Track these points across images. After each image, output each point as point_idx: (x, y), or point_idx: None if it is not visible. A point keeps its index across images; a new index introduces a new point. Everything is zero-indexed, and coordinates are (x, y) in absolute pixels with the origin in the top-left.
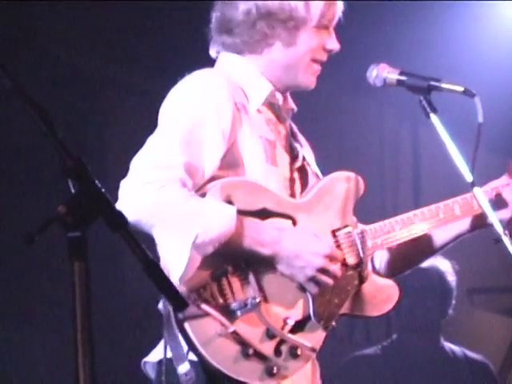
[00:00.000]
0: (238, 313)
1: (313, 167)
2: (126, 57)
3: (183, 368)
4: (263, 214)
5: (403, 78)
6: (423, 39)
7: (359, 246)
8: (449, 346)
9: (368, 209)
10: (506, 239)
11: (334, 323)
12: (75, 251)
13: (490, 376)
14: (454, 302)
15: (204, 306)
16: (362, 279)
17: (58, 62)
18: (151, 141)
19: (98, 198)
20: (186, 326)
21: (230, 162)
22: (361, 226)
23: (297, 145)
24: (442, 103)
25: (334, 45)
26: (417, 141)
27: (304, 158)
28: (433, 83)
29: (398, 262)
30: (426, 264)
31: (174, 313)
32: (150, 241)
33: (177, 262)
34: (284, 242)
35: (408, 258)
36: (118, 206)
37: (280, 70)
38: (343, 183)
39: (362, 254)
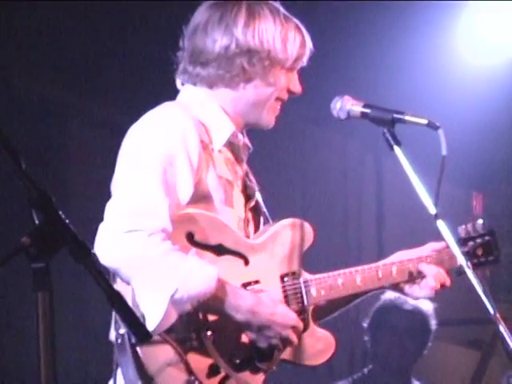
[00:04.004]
0: (188, 344)
1: (263, 207)
2: (93, 88)
3: None
4: (219, 250)
5: (367, 110)
6: (387, 72)
7: (304, 294)
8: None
9: (331, 239)
10: (468, 272)
11: (274, 367)
12: (39, 282)
13: None
14: (430, 344)
15: (162, 334)
16: (304, 327)
17: (23, 93)
18: (126, 183)
19: (62, 228)
20: (139, 351)
21: (194, 199)
22: (306, 275)
23: (251, 185)
24: (406, 136)
25: (298, 87)
26: (380, 173)
27: (257, 199)
28: (396, 116)
29: (325, 308)
30: (410, 305)
31: (129, 337)
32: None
33: (152, 314)
34: (259, 313)
35: (334, 304)
36: (97, 251)
37: (247, 106)
38: (295, 230)
39: (306, 302)
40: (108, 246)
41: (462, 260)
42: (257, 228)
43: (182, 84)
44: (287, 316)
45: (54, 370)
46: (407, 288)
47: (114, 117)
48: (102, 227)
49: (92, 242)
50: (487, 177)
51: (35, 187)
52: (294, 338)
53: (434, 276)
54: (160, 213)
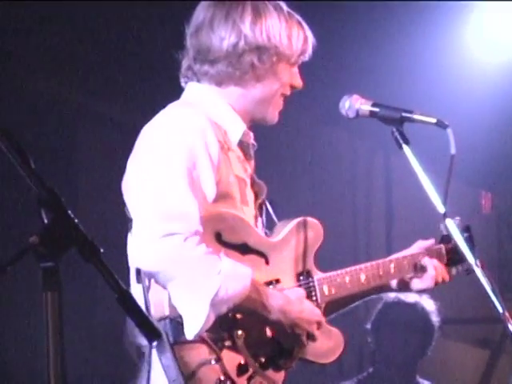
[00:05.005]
0: (220, 343)
1: (268, 204)
2: (102, 87)
3: None
4: (244, 249)
5: (376, 109)
6: (396, 71)
7: (318, 292)
8: (423, 382)
9: (340, 238)
10: (477, 270)
11: (293, 365)
12: (48, 281)
13: None
14: (433, 343)
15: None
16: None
17: (33, 92)
18: (153, 186)
19: (71, 228)
20: (176, 350)
21: (216, 199)
22: (318, 273)
23: (259, 182)
24: (415, 134)
25: (299, 82)
26: (389, 172)
27: (264, 196)
28: (405, 114)
29: (331, 306)
30: (411, 300)
31: (167, 337)
32: (123, 270)
33: (194, 318)
34: (289, 312)
35: (339, 303)
36: (134, 256)
37: (253, 103)
38: (307, 229)
39: (319, 300)
40: (145, 251)
41: (470, 259)
42: (262, 225)
43: (185, 82)
44: (313, 312)
45: (64, 372)
46: (409, 283)
47: (123, 116)
48: (136, 232)
49: (101, 242)
50: (496, 176)
51: (44, 186)
52: (317, 333)
53: (435, 267)
54: (192, 215)
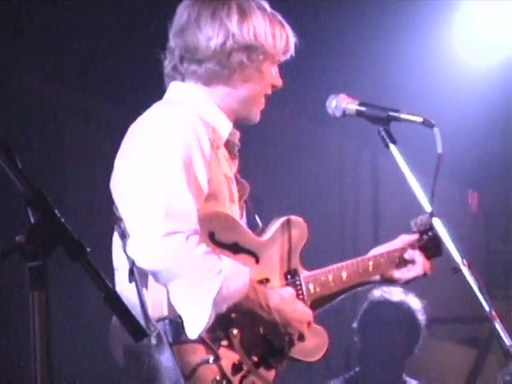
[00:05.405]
0: (217, 343)
1: (249, 202)
2: (91, 86)
3: None
4: (235, 248)
5: (362, 108)
6: (383, 70)
7: (304, 291)
8: (410, 380)
9: (327, 237)
10: (464, 269)
11: (283, 364)
12: (35, 281)
13: None
14: (420, 341)
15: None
16: None
17: (19, 90)
18: (153, 185)
19: (57, 227)
20: (175, 350)
21: (207, 197)
22: (304, 272)
23: (242, 181)
24: (402, 133)
25: (279, 81)
26: (376, 171)
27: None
28: (392, 114)
29: (315, 303)
30: (397, 298)
31: (167, 337)
32: (110, 269)
33: (196, 317)
34: (284, 311)
35: (323, 299)
36: (135, 255)
37: (238, 102)
38: (293, 228)
39: (305, 298)
40: (147, 250)
41: (457, 258)
42: (245, 224)
43: (169, 82)
44: (305, 312)
45: (50, 372)
46: (396, 274)
47: (111, 114)
48: (137, 230)
49: (88, 241)
50: (483, 175)
51: (31, 186)
52: (306, 331)
53: (421, 258)
54: (191, 213)
